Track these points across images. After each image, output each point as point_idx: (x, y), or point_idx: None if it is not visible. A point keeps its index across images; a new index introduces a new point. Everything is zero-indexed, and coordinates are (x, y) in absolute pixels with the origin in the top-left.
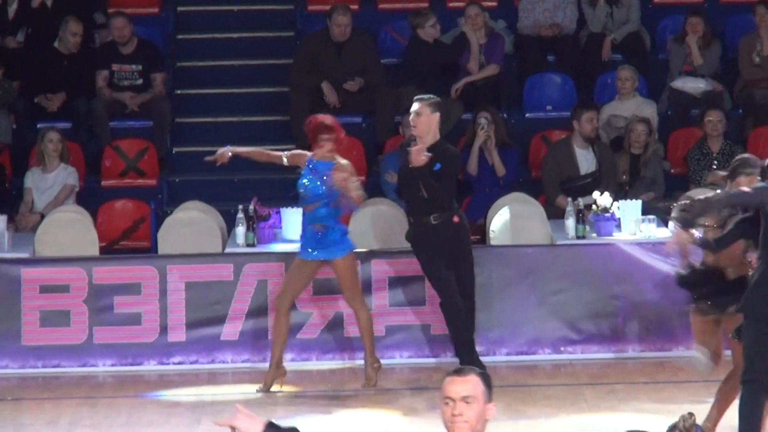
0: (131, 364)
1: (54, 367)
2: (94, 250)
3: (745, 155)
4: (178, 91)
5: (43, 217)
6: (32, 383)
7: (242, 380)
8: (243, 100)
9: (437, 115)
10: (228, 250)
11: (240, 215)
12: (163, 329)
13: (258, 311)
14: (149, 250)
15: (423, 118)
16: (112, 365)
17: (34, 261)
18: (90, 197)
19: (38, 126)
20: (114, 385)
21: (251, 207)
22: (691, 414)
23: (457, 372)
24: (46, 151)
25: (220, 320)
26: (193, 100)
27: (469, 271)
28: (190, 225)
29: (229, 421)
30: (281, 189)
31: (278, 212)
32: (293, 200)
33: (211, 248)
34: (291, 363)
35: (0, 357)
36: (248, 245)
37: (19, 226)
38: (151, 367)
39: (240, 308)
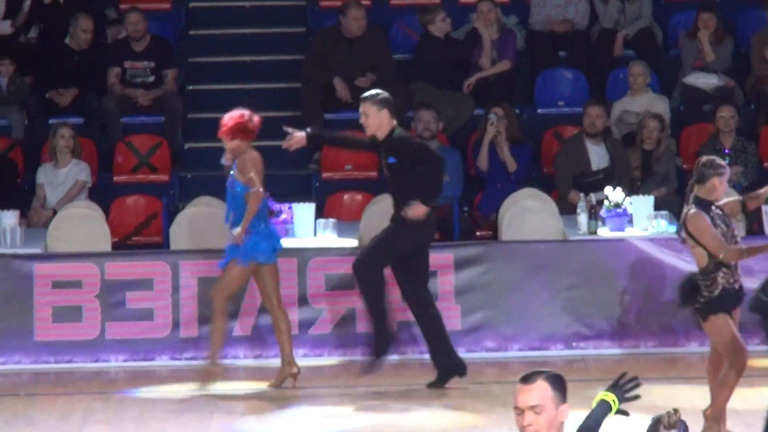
0: (143, 360)
1: (66, 362)
2: (106, 245)
3: (705, 157)
4: (190, 87)
5: (55, 212)
6: (45, 378)
7: (255, 376)
8: (254, 96)
9: (384, 111)
10: None
11: None
12: (176, 325)
13: None
14: (161, 246)
15: (370, 119)
16: (125, 360)
17: (47, 257)
18: (102, 193)
19: (50, 122)
20: (126, 380)
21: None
22: (676, 410)
23: (525, 379)
24: (58, 147)
25: (232, 316)
26: (205, 96)
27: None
28: (203, 220)
29: None
30: (293, 185)
31: (290, 208)
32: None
33: (223, 244)
34: (303, 359)
35: (13, 352)
36: None
37: (32, 221)
38: (163, 362)
39: (252, 304)
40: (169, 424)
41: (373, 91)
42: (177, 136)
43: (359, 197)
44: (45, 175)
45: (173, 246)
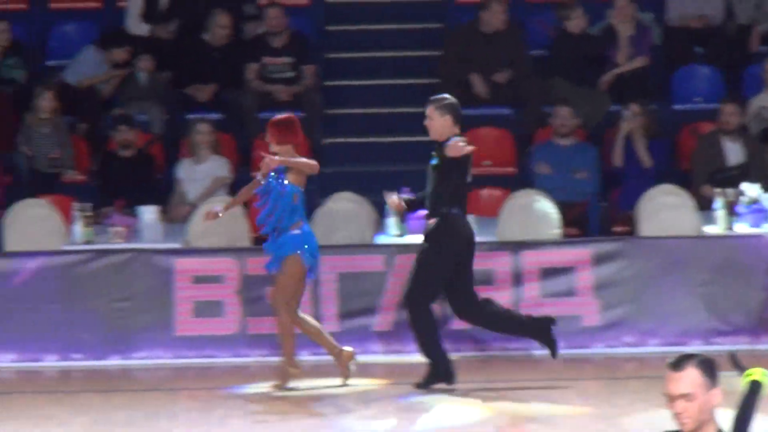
0: (284, 355)
1: (207, 357)
2: (246, 241)
3: None
4: (328, 83)
5: (194, 208)
6: (185, 374)
7: (393, 372)
8: (393, 92)
9: (448, 117)
10: (379, 241)
11: (388, 206)
12: (316, 320)
13: None
14: None
15: (433, 122)
16: (265, 356)
17: (187, 251)
18: (241, 188)
19: (189, 117)
20: (266, 375)
21: (404, 197)
22: None
23: (674, 366)
24: (196, 143)
25: (371, 311)
26: (344, 92)
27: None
28: (342, 216)
29: None
30: None
31: None
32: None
33: (362, 239)
34: (403, 355)
35: (153, 347)
36: (399, 236)
37: (171, 217)
38: (304, 357)
39: (392, 299)
40: (314, 419)
41: (440, 96)
42: (316, 131)
43: (498, 193)
44: (184, 170)
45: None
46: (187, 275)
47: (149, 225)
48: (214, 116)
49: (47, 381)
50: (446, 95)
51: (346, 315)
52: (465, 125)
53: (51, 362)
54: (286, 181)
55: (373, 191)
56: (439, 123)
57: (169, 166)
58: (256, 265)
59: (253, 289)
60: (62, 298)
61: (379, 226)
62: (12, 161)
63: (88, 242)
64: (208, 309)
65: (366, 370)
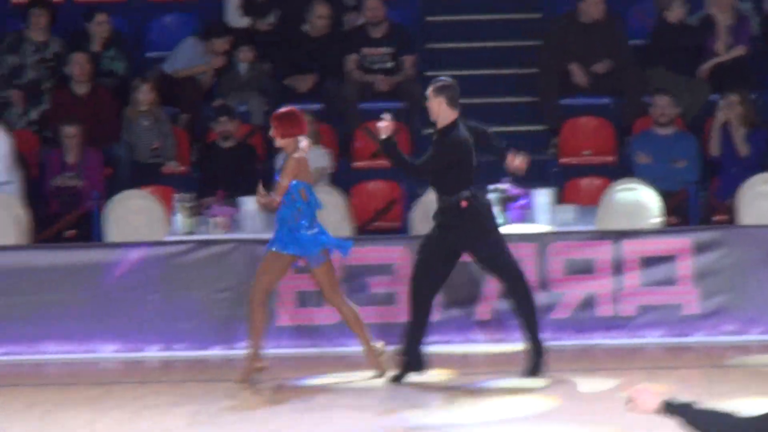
0: (388, 345)
1: (310, 347)
2: (347, 230)
3: None
4: (428, 73)
5: None
6: (287, 364)
7: (497, 361)
8: (491, 82)
9: (441, 98)
10: None
11: (492, 196)
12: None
13: None
14: (401, 231)
15: (429, 103)
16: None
17: None
18: (342, 178)
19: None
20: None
21: (503, 187)
22: None
23: None
24: None
25: (472, 300)
26: None
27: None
28: None
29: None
30: (531, 170)
31: (529, 193)
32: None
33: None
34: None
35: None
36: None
37: (272, 207)
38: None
39: (492, 288)
40: (420, 411)
41: (439, 79)
42: (416, 121)
43: (597, 182)
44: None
45: (413, 231)
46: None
47: (250, 215)
48: (314, 107)
49: (149, 371)
50: (445, 78)
51: (448, 304)
52: (565, 114)
53: (153, 352)
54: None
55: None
56: (433, 104)
57: (270, 156)
58: (357, 254)
59: (354, 279)
60: (164, 288)
61: None
62: (113, 153)
63: (189, 233)
64: (310, 299)
65: (465, 361)
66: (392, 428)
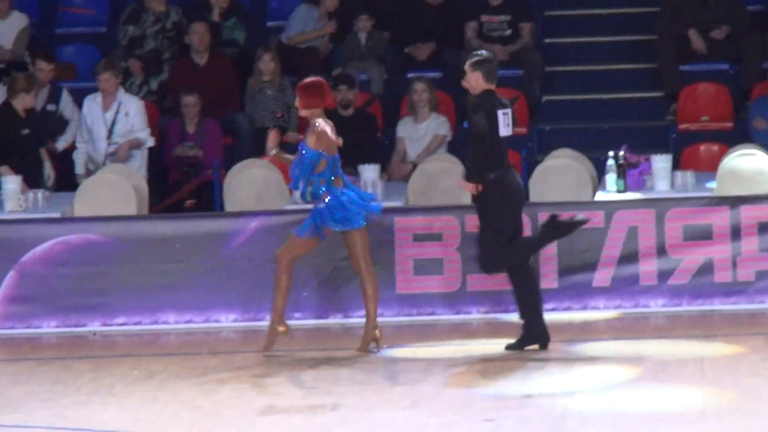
0: (505, 312)
1: (428, 315)
2: (466, 198)
3: None
4: (547, 40)
5: (415, 166)
6: (407, 330)
7: (613, 327)
8: (610, 49)
9: (477, 73)
10: (598, 197)
11: (610, 162)
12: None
13: (629, 258)
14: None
15: (467, 77)
16: (486, 312)
17: (408, 210)
18: (461, 146)
19: (408, 76)
20: (488, 331)
21: (621, 154)
22: None
23: None
24: (414, 101)
25: (591, 267)
26: (562, 49)
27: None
28: (562, 173)
29: None
30: (651, 136)
31: (648, 159)
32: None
33: (581, 196)
34: (662, 308)
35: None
36: (618, 192)
37: (392, 175)
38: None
39: (611, 255)
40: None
41: (477, 53)
42: (535, 89)
43: (715, 148)
44: (405, 129)
45: (532, 198)
46: (408, 233)
47: (370, 183)
48: (433, 75)
49: None
50: (482, 51)
51: (565, 271)
52: (683, 81)
53: None
54: (304, 150)
55: (592, 148)
56: (471, 78)
57: (389, 125)
58: (477, 222)
59: (473, 247)
60: None
61: (599, 183)
62: (232, 122)
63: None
64: (428, 267)
65: (587, 327)
66: (509, 397)
